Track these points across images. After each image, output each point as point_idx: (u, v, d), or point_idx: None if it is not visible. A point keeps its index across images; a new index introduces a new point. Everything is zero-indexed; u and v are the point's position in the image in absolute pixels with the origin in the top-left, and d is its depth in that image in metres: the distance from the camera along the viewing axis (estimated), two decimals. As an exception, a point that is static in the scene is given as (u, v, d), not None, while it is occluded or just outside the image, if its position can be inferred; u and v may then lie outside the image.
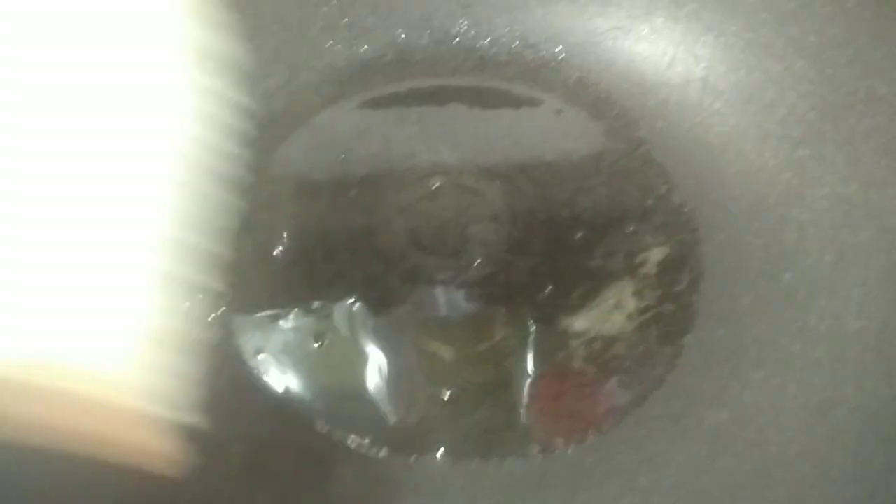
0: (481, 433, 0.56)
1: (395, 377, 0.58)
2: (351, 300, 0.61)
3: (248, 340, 0.60)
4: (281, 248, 0.64)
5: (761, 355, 0.58)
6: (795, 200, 0.65)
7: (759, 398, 0.55)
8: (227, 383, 0.56)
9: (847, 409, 0.51)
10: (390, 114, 0.75)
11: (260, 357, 0.59)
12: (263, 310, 0.61)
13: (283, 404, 0.57)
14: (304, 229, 0.66)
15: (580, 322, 0.62)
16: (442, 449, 0.55)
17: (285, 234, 0.65)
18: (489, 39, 0.80)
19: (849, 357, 0.54)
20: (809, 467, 0.49)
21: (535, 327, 0.61)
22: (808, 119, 0.68)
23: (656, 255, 0.66)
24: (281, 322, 0.61)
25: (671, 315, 0.62)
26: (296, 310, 0.61)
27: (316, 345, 0.60)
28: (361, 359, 0.59)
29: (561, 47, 0.80)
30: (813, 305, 0.59)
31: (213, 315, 0.58)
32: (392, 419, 0.56)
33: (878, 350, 0.53)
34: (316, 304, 0.61)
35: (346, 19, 0.79)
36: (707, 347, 0.60)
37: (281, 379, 0.58)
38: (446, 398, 0.57)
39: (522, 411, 0.57)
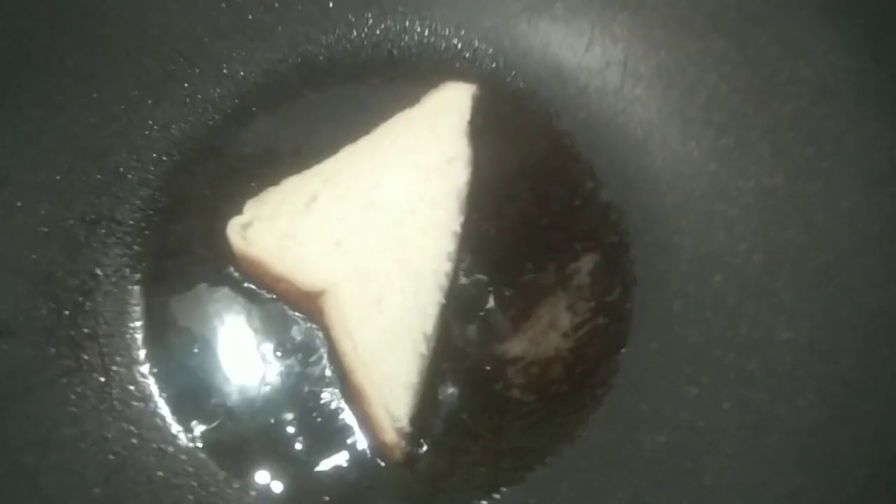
0: (423, 486, 0.55)
1: (333, 434, 0.57)
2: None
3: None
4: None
5: (695, 369, 0.57)
6: (722, 194, 0.64)
7: (694, 417, 0.55)
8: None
9: (781, 432, 0.52)
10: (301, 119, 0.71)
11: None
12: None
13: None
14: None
15: (516, 347, 0.61)
16: (385, 506, 0.55)
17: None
18: (397, 31, 0.75)
19: (781, 371, 0.54)
20: (745, 501, 0.50)
21: (469, 359, 0.60)
22: (731, 103, 0.65)
23: (587, 263, 0.64)
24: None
25: (606, 328, 0.61)
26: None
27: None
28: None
29: (473, 35, 0.75)
30: (743, 311, 0.58)
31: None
32: (331, 481, 0.55)
33: (809, 364, 0.53)
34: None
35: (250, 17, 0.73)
36: (643, 362, 0.59)
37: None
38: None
39: (463, 457, 0.56)
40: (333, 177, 0.65)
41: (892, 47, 0.58)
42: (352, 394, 0.57)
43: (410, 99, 0.69)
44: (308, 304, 0.61)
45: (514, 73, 0.73)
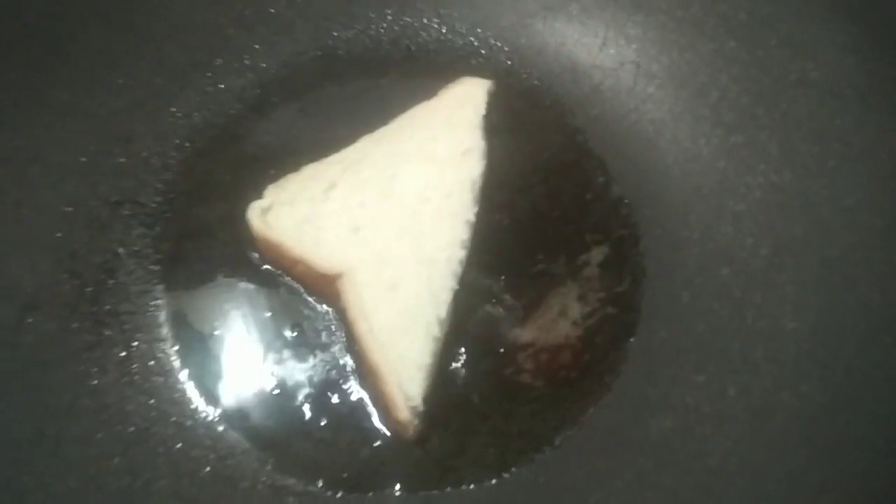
0: (434, 464, 0.56)
1: (347, 412, 0.58)
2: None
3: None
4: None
5: (702, 357, 0.59)
6: (730, 190, 0.65)
7: (700, 402, 0.57)
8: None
9: (785, 416, 0.53)
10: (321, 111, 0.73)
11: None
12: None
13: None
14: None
15: (527, 334, 0.62)
16: (398, 484, 0.56)
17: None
18: (416, 27, 0.77)
19: (785, 359, 0.56)
20: (748, 481, 0.51)
21: (480, 344, 0.61)
22: (741, 103, 0.67)
23: (597, 254, 0.66)
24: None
25: (615, 318, 0.63)
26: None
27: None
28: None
29: (490, 33, 0.77)
30: (749, 302, 0.60)
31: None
32: (345, 458, 0.57)
33: (813, 353, 0.55)
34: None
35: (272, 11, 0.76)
36: (651, 351, 0.61)
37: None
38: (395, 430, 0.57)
39: (473, 438, 0.57)
40: (352, 165, 0.67)
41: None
42: (367, 374, 0.59)
43: (427, 93, 0.71)
44: (325, 287, 0.62)
45: (529, 70, 0.75)
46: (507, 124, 0.71)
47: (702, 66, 0.70)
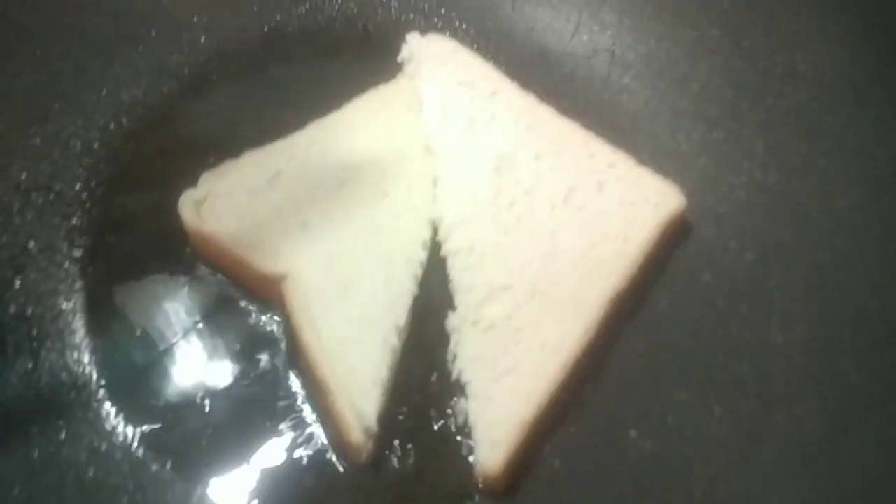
0: (388, 491, 0.50)
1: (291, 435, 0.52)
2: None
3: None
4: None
5: (683, 371, 0.54)
6: (712, 189, 0.61)
7: (683, 423, 0.52)
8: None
9: (776, 441, 0.48)
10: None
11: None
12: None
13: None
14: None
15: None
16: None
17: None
18: (374, 4, 0.71)
19: (774, 375, 0.51)
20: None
21: (443, 357, 0.55)
22: (724, 96, 0.63)
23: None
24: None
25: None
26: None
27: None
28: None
29: (455, 13, 0.71)
30: (734, 312, 0.55)
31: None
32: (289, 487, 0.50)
33: (805, 369, 0.50)
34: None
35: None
36: (627, 364, 0.55)
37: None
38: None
39: (434, 462, 0.51)
40: (300, 153, 0.60)
41: (892, 41, 0.57)
42: (315, 390, 0.52)
43: (384, 76, 0.65)
44: (268, 290, 0.55)
45: (496, 56, 0.69)
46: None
47: (681, 55, 0.65)
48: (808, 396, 0.49)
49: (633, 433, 0.52)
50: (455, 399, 0.52)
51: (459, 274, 0.56)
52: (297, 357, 0.53)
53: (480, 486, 0.50)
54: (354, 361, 0.51)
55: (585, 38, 0.68)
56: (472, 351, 0.53)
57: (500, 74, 0.64)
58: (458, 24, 0.70)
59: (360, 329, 0.52)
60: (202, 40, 0.67)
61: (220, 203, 0.57)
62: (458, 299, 0.55)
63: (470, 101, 0.62)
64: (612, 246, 0.55)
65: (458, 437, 0.52)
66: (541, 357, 0.52)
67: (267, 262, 0.55)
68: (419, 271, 0.56)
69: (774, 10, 0.62)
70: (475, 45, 0.69)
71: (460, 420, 0.52)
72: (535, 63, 0.68)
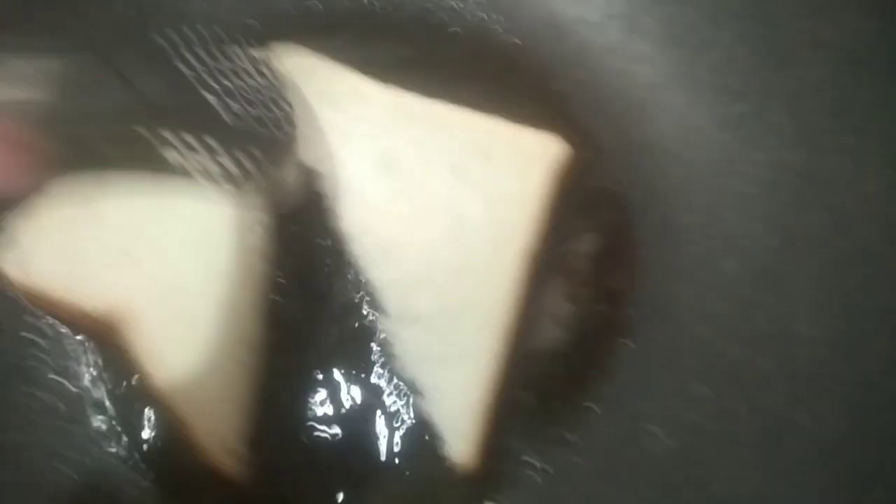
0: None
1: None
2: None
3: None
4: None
5: (706, 366, 0.53)
6: (735, 169, 0.58)
7: (704, 420, 0.51)
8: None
9: (799, 441, 0.47)
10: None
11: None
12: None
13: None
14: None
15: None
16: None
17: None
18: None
19: (799, 371, 0.50)
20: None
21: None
22: (748, 66, 0.59)
23: (586, 243, 0.59)
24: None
25: (608, 319, 0.56)
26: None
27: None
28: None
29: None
30: (759, 303, 0.53)
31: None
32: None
33: (830, 365, 0.49)
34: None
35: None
36: (646, 356, 0.54)
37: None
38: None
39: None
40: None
41: (929, 10, 0.52)
42: (172, 420, 0.50)
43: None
44: (106, 334, 0.52)
45: (505, 26, 0.65)
46: (480, 88, 0.62)
47: (702, 20, 0.61)
48: (834, 395, 0.48)
49: (653, 429, 0.51)
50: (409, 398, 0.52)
51: (375, 274, 0.54)
52: (148, 391, 0.51)
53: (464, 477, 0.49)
54: (210, 388, 0.49)
55: (600, 2, 0.64)
56: (409, 346, 0.52)
57: (360, 76, 0.58)
58: (462, -7, 0.66)
59: (209, 354, 0.50)
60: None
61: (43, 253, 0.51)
62: (382, 298, 0.53)
63: (336, 110, 0.58)
64: (512, 207, 0.54)
65: (427, 437, 0.51)
66: (477, 335, 0.51)
67: (96, 302, 0.51)
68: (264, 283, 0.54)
69: (802, -29, 0.57)
70: (484, 15, 0.65)
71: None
72: (547, 31, 0.64)
